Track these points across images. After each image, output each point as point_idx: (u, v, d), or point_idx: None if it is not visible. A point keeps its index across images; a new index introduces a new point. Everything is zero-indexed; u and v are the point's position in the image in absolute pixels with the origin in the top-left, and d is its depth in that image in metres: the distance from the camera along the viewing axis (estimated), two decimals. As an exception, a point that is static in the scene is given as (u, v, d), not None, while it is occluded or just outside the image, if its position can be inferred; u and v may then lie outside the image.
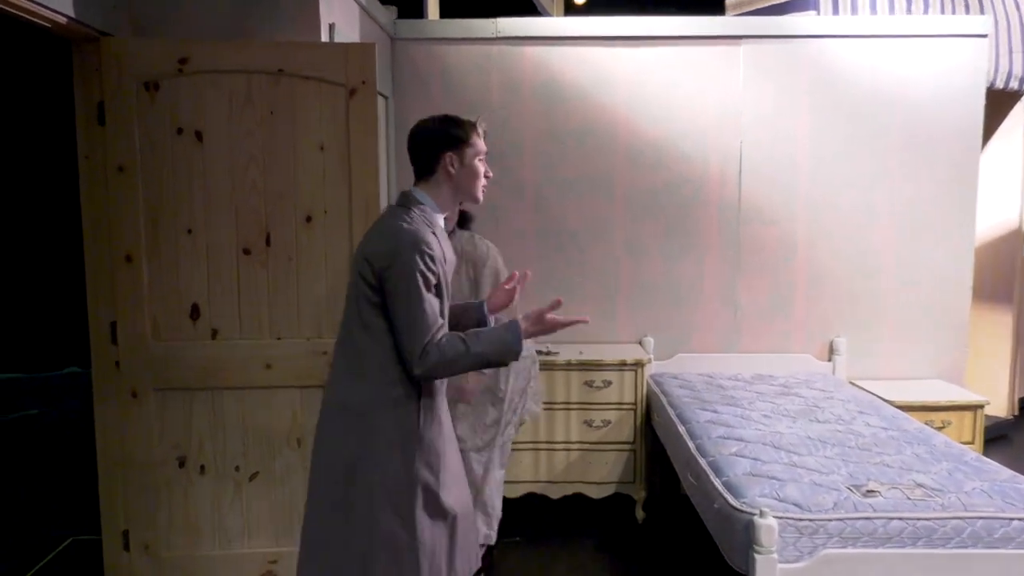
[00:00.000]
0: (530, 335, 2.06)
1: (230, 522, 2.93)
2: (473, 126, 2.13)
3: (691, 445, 3.00)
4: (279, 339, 2.87)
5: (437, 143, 2.08)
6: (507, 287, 2.28)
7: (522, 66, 4.11)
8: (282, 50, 2.78)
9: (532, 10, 5.76)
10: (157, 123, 2.77)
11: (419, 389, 2.03)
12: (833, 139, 4.11)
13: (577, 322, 2.09)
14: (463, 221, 3.09)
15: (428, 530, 2.06)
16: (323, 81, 2.79)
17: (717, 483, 2.55)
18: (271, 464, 2.93)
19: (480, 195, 2.15)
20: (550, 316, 2.07)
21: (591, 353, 3.91)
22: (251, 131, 2.80)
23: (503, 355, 2.02)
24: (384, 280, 1.96)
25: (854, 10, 4.25)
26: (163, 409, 2.87)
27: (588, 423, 3.84)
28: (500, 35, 4.07)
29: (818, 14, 4.23)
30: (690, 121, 4.11)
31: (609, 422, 3.84)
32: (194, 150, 2.79)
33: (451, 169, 2.09)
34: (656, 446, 3.79)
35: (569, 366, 3.82)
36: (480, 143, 2.12)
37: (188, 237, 2.82)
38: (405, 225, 1.99)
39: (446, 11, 5.06)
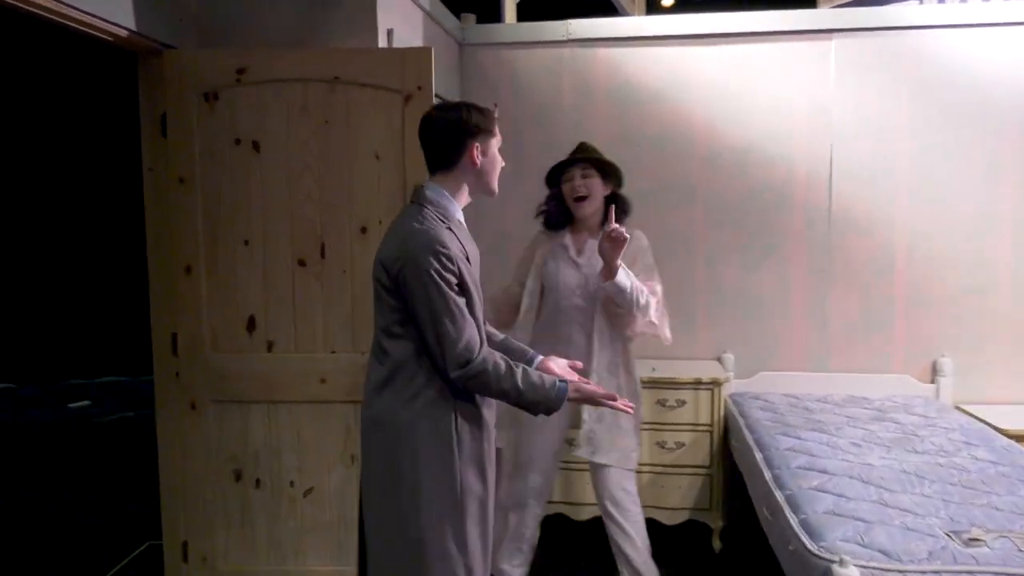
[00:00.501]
0: (571, 401, 2.02)
1: (284, 537, 2.89)
2: (492, 114, 2.04)
3: (768, 475, 2.75)
4: (333, 353, 2.81)
5: (463, 132, 1.97)
6: (567, 368, 2.19)
7: (595, 69, 3.94)
8: (337, 57, 2.72)
9: (612, 12, 5.58)
10: (216, 134, 2.77)
11: (454, 393, 1.93)
12: (938, 140, 3.75)
13: (621, 409, 2.08)
14: (620, 214, 2.85)
15: (479, 540, 1.98)
16: (378, 88, 2.72)
17: (793, 521, 2.31)
18: (325, 480, 2.87)
19: (497, 187, 2.09)
20: (599, 400, 2.04)
21: (665, 370, 3.69)
22: (306, 140, 2.75)
23: (536, 405, 1.95)
24: (401, 284, 1.87)
25: (962, -2, 3.88)
26: (220, 421, 2.85)
27: (660, 444, 3.62)
28: (571, 37, 3.92)
29: (920, 3, 3.87)
30: (774, 123, 3.84)
31: (683, 444, 3.61)
32: (251, 160, 2.77)
33: (477, 160, 1.98)
34: (736, 471, 3.53)
35: (641, 383, 3.60)
36: (499, 133, 2.06)
37: (245, 248, 2.80)
38: (417, 225, 1.89)
39: (524, 17, 4.96)
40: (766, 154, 3.86)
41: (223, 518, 2.89)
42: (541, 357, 2.20)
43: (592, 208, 2.85)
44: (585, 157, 2.85)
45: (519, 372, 1.92)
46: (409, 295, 1.87)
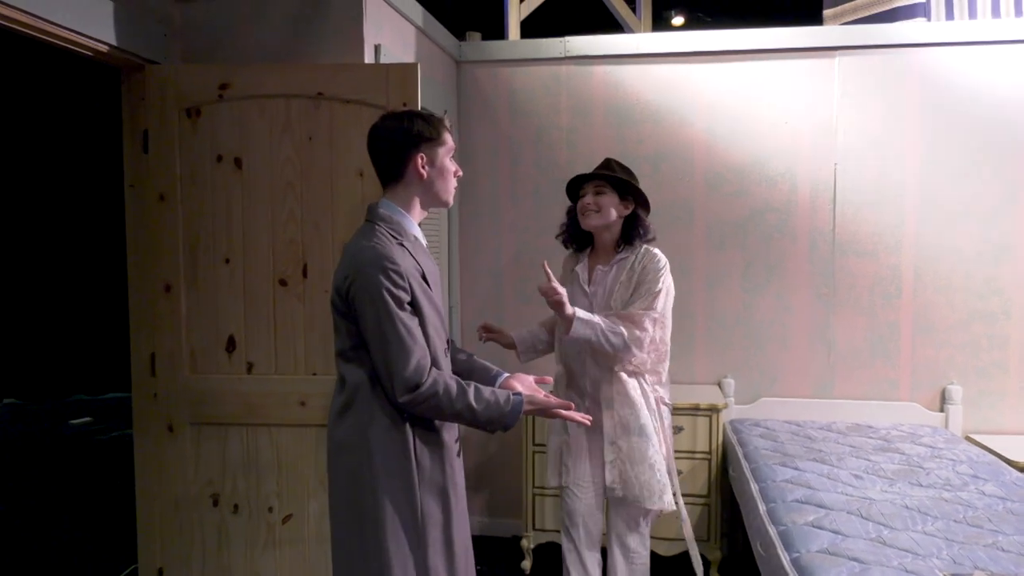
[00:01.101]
0: (528, 414, 1.94)
1: (262, 566, 2.79)
2: (441, 121, 1.95)
3: (762, 509, 2.63)
4: (314, 375, 2.73)
5: (405, 142, 1.89)
6: (533, 385, 2.09)
7: (592, 86, 3.87)
8: (321, 73, 2.67)
9: (618, 30, 5.51)
10: (198, 150, 2.71)
11: (410, 417, 1.86)
12: (948, 161, 3.64)
13: (578, 420, 1.99)
14: (633, 236, 2.72)
15: (443, 571, 1.90)
16: (363, 104, 2.65)
17: (785, 560, 2.19)
18: (305, 506, 2.78)
19: (451, 198, 1.99)
20: (553, 412, 1.95)
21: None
22: (290, 157, 2.69)
23: (492, 422, 1.86)
24: (351, 305, 1.81)
25: (972, 14, 3.77)
26: (198, 444, 2.78)
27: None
28: (570, 54, 3.86)
29: (927, 20, 3.77)
30: (776, 143, 3.75)
31: (680, 472, 3.48)
32: (233, 177, 2.71)
33: (422, 171, 1.90)
34: (736, 501, 3.41)
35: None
36: (450, 139, 1.95)
37: (226, 267, 2.73)
38: (365, 243, 1.83)
39: (529, 34, 4.91)
40: (768, 174, 3.76)
41: (200, 544, 2.80)
42: (506, 375, 2.11)
43: (598, 223, 2.66)
44: (600, 174, 2.69)
45: (471, 391, 1.83)
46: (359, 316, 1.80)
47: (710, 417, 3.48)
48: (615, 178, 2.67)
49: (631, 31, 5.47)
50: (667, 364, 2.73)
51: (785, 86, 3.72)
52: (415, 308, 1.83)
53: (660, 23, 6.69)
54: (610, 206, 2.65)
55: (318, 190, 2.70)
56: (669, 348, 2.71)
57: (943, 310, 3.68)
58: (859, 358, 3.76)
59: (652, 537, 3.48)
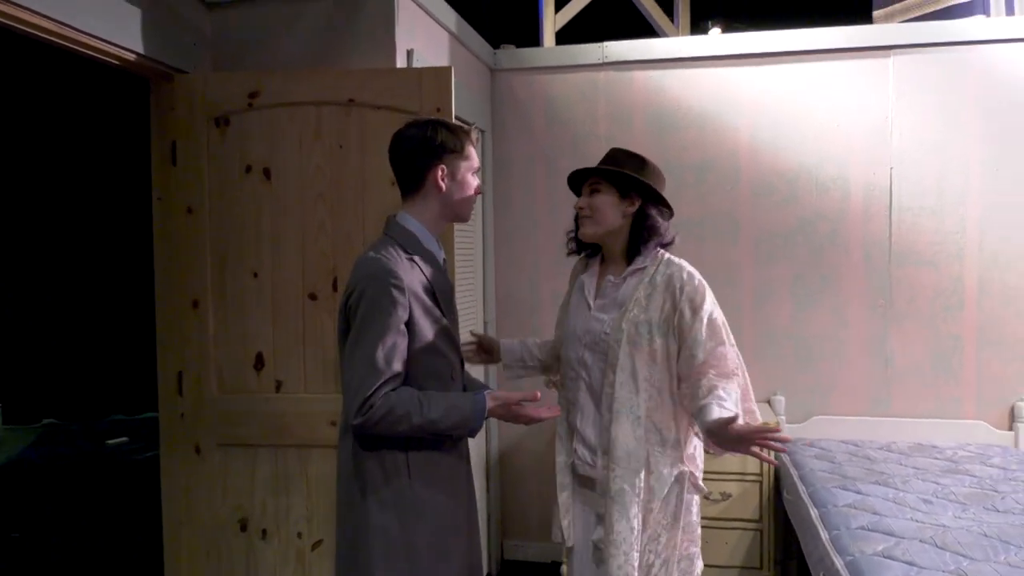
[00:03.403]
0: (495, 416, 1.81)
1: (292, 594, 2.67)
2: (467, 134, 1.83)
3: (825, 536, 2.43)
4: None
5: (426, 153, 1.79)
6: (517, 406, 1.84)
7: (632, 93, 3.74)
8: (352, 78, 2.57)
9: (653, 36, 5.38)
10: (226, 161, 2.63)
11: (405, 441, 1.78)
12: (1012, 163, 3.43)
13: (546, 418, 1.83)
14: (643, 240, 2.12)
15: None
16: (395, 110, 2.54)
17: (857, 596, 2.00)
18: (335, 532, 2.65)
19: (469, 214, 1.90)
20: (517, 407, 1.80)
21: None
22: (320, 167, 2.60)
23: (457, 428, 1.75)
24: (351, 321, 1.74)
25: (1035, 9, 3.57)
26: (226, 466, 2.67)
27: (705, 495, 3.30)
28: (608, 60, 3.73)
29: (987, 16, 3.57)
30: (828, 147, 3.57)
31: (730, 495, 3.30)
32: (262, 188, 2.62)
33: (441, 183, 1.81)
34: (790, 526, 3.20)
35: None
36: (474, 154, 1.85)
37: (254, 281, 2.64)
38: (372, 255, 1.75)
39: (563, 43, 4.80)
40: (819, 181, 3.58)
41: (228, 571, 2.69)
42: (492, 389, 1.93)
43: (593, 231, 2.11)
44: (595, 169, 2.13)
45: (427, 403, 1.72)
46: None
47: (761, 437, 3.28)
48: (609, 171, 2.09)
49: (664, 35, 5.33)
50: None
51: (836, 88, 3.55)
52: (409, 329, 1.74)
53: (697, 33, 6.55)
54: (607, 207, 2.08)
55: (349, 200, 2.59)
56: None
57: (1011, 322, 3.45)
58: (919, 374, 3.54)
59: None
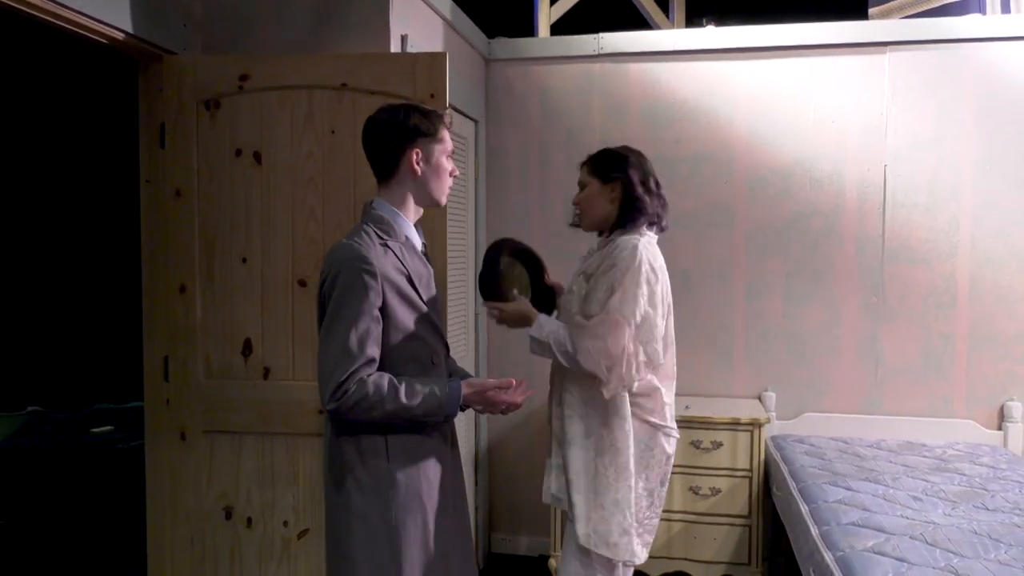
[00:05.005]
0: (470, 403, 1.81)
1: (277, 584, 2.64)
2: (440, 117, 1.83)
3: (815, 532, 2.42)
4: (334, 381, 2.58)
5: (400, 137, 1.79)
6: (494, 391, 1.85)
7: (627, 85, 3.71)
8: (345, 63, 2.53)
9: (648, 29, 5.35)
10: (216, 144, 2.59)
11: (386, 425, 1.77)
12: (1006, 161, 3.43)
13: (521, 402, 1.85)
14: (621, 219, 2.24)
15: None
16: (388, 95, 2.50)
17: (847, 590, 1.99)
18: (321, 521, 2.61)
19: (445, 198, 1.89)
20: (492, 393, 1.81)
21: (699, 408, 3.39)
22: (311, 152, 2.56)
23: (432, 414, 1.75)
24: (326, 308, 1.74)
25: (1031, 8, 3.57)
26: (211, 454, 2.63)
27: (694, 490, 3.30)
28: (603, 52, 3.71)
29: (983, 14, 3.57)
30: (822, 143, 3.55)
31: (719, 490, 3.28)
32: (252, 173, 2.58)
33: (416, 167, 1.80)
34: (778, 522, 3.20)
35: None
36: (448, 137, 1.85)
37: (243, 266, 2.60)
38: (345, 241, 1.75)
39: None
40: (813, 176, 3.57)
41: (212, 559, 2.66)
42: (472, 377, 1.95)
43: (591, 221, 2.29)
44: (584, 162, 2.32)
45: (403, 388, 1.71)
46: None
47: (751, 432, 3.27)
48: (594, 164, 2.26)
49: (657, 28, 5.31)
50: (667, 384, 2.23)
51: (832, 83, 3.54)
52: (384, 314, 1.74)
53: (692, 28, 6.52)
54: (594, 198, 2.25)
55: (340, 186, 2.56)
56: (668, 365, 2.23)
57: (1002, 321, 3.45)
58: (910, 372, 3.54)
59: (686, 559, 3.30)
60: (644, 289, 2.08)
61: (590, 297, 2.14)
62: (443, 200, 1.89)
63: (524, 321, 2.19)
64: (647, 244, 2.17)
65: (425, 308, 1.83)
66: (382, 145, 1.80)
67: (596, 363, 2.06)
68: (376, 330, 1.71)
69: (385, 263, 1.73)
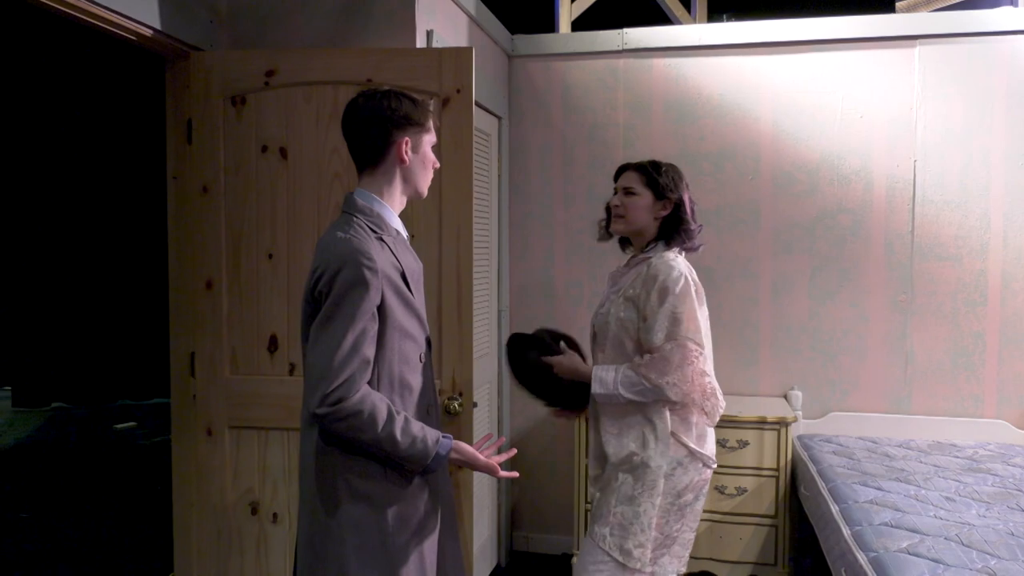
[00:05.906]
0: (453, 463, 1.76)
1: (302, 579, 2.64)
2: (428, 107, 1.79)
3: (846, 532, 2.39)
4: (359, 377, 2.57)
5: (391, 123, 1.72)
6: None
7: (651, 81, 3.68)
8: (371, 57, 2.53)
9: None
10: (242, 140, 2.59)
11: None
12: (1035, 158, 3.36)
13: (502, 476, 1.84)
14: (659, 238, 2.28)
15: None
16: (415, 91, 2.45)
17: (882, 592, 1.95)
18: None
19: (427, 190, 1.84)
20: (481, 459, 1.78)
21: (725, 407, 3.33)
22: (337, 148, 2.55)
23: (412, 460, 1.66)
24: (319, 304, 1.64)
25: (1064, 1, 3.50)
26: (237, 449, 2.64)
27: (719, 489, 3.27)
28: (627, 47, 3.68)
29: (1016, 6, 3.50)
30: (850, 139, 3.51)
31: (745, 490, 3.25)
32: (278, 169, 2.58)
33: (405, 156, 1.74)
34: (806, 522, 3.16)
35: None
36: (433, 129, 1.80)
37: (269, 262, 2.60)
38: (340, 235, 1.66)
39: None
40: (841, 172, 3.52)
41: (238, 554, 2.66)
42: (453, 441, 1.79)
43: (622, 229, 2.29)
44: (635, 164, 2.31)
45: (399, 420, 1.63)
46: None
47: (778, 431, 3.24)
48: (652, 177, 2.24)
49: (678, 23, 5.27)
50: (713, 403, 2.21)
51: (860, 78, 3.49)
52: (382, 312, 1.65)
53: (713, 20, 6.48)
54: (640, 209, 2.24)
55: (366, 182, 2.55)
56: (713, 387, 2.20)
57: (1035, 319, 3.39)
58: (940, 371, 3.48)
59: (711, 559, 3.27)
60: (698, 311, 2.14)
61: (651, 327, 2.12)
62: (425, 192, 1.83)
63: (577, 376, 2.22)
64: (686, 265, 2.21)
65: (417, 306, 1.76)
66: (370, 132, 1.72)
67: (685, 393, 2.10)
68: (372, 329, 1.63)
69: (383, 258, 1.66)
